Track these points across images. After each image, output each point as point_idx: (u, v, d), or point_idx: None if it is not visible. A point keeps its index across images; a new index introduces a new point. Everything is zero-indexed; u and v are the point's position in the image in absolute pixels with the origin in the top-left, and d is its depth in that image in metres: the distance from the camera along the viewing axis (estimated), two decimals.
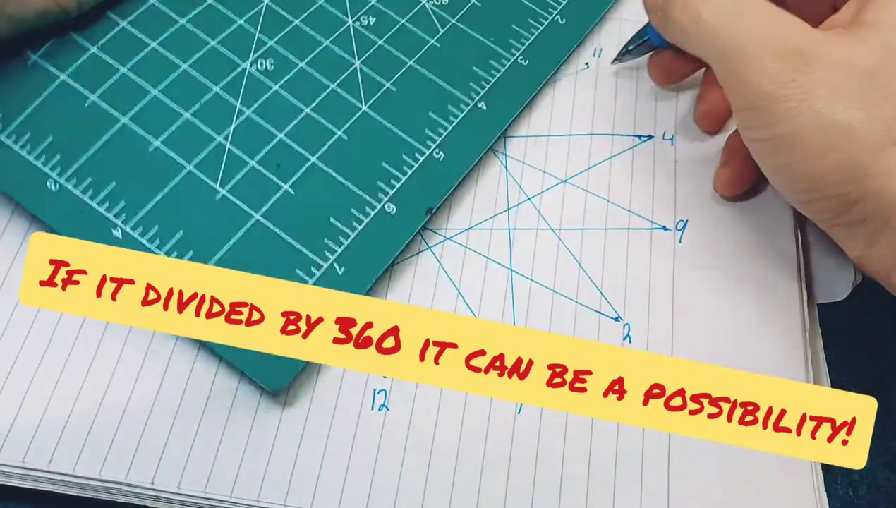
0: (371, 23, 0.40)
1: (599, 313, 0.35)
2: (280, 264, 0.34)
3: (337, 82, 0.38)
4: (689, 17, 0.33)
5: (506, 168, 0.39)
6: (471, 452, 0.32)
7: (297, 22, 0.39)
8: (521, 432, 0.33)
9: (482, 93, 0.39)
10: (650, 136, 0.39)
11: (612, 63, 0.41)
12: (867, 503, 0.34)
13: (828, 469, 0.32)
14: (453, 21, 0.41)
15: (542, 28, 0.42)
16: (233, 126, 0.36)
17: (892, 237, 0.30)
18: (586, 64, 0.42)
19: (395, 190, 0.36)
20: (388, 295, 0.35)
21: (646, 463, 0.32)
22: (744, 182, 0.36)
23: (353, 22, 0.40)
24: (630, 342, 0.35)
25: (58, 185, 0.34)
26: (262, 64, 0.38)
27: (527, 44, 0.41)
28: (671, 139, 0.39)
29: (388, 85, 0.38)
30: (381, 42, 0.39)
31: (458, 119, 0.38)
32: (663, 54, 0.38)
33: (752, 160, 0.34)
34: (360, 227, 0.35)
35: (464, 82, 0.39)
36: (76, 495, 0.31)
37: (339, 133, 0.37)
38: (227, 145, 0.36)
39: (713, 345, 0.34)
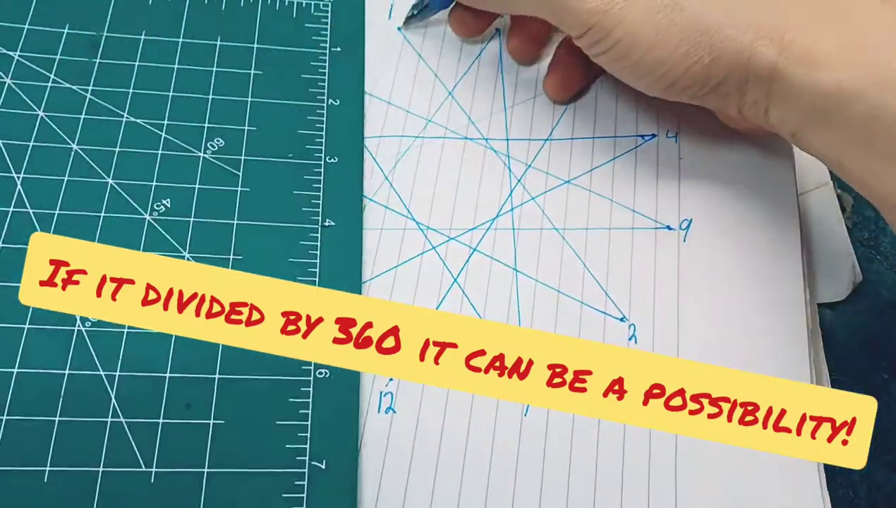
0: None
1: (605, 314, 0.35)
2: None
3: None
4: None
5: (509, 169, 0.39)
6: (478, 453, 0.32)
7: None
8: (527, 434, 0.33)
9: None
10: (653, 135, 0.39)
11: (398, 29, 0.42)
12: (867, 503, 0.34)
13: (828, 470, 0.32)
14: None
15: None
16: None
17: (757, 84, 0.31)
18: None
19: None
20: (393, 296, 0.35)
21: (653, 464, 0.32)
22: (569, 87, 0.39)
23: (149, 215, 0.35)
24: (636, 342, 0.34)
25: None
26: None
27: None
28: (675, 137, 0.39)
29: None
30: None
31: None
32: (460, 11, 0.40)
33: (575, 68, 0.39)
34: None
35: None
36: None
37: None
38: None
39: (718, 345, 0.34)
